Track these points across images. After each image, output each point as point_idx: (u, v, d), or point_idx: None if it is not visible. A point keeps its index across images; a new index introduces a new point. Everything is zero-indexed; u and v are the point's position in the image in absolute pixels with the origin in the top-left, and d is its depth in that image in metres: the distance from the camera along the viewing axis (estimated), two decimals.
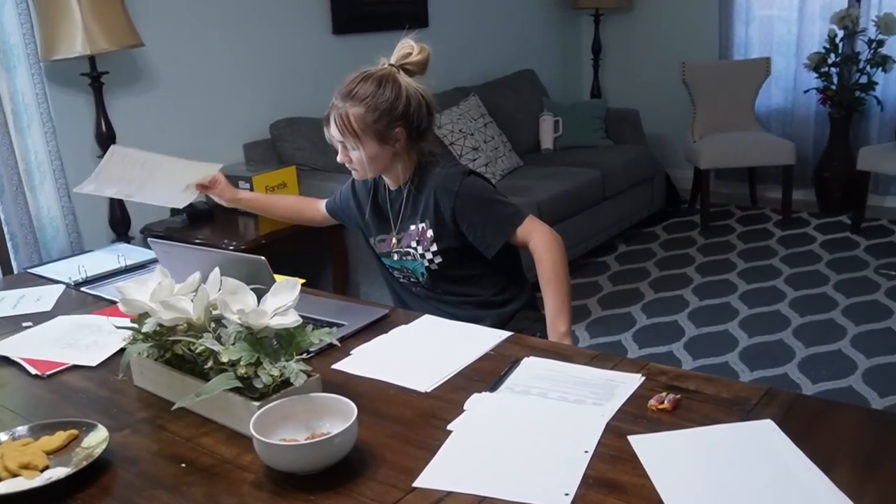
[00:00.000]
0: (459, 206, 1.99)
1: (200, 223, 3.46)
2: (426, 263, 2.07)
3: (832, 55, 5.10)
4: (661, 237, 5.08)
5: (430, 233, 2.04)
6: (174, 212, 3.49)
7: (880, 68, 4.98)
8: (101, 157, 3.19)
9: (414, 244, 2.07)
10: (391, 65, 1.98)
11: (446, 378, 1.56)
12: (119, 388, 1.59)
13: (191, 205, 3.47)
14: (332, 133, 1.98)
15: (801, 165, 5.31)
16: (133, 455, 1.35)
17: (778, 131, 5.56)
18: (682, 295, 4.14)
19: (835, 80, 5.13)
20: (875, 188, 5.27)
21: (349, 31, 4.44)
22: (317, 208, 2.41)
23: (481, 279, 2.11)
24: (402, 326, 1.83)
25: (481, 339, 1.73)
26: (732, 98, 5.39)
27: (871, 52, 4.98)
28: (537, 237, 1.99)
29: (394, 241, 2.12)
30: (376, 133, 1.94)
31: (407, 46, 1.98)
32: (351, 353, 1.70)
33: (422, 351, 1.71)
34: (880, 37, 4.93)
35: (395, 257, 2.13)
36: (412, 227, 2.07)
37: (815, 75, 5.17)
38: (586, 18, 6.18)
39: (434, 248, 2.05)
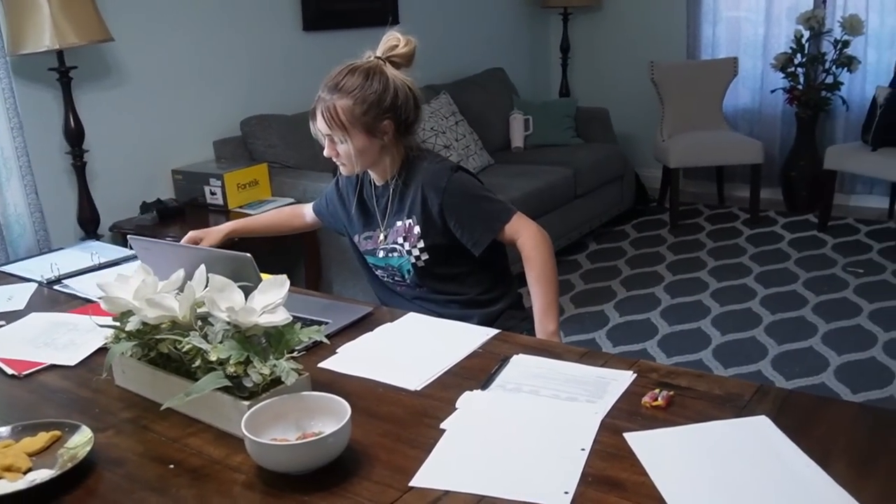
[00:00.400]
0: (447, 202, 1.97)
1: (170, 220, 3.40)
2: (412, 260, 2.03)
3: (798, 55, 5.16)
4: (631, 235, 5.10)
5: (417, 229, 2.01)
6: (144, 209, 3.43)
7: (846, 69, 5.05)
8: (70, 153, 3.16)
9: (400, 240, 2.04)
10: (377, 57, 1.95)
11: (436, 376, 1.54)
12: (100, 388, 1.55)
13: (160, 201, 3.45)
14: (319, 126, 1.95)
15: (768, 164, 5.37)
16: (118, 456, 1.31)
17: (745, 130, 5.62)
18: (653, 293, 4.16)
19: (801, 80, 5.19)
20: (841, 187, 5.34)
21: (319, 28, 4.40)
22: (303, 214, 2.38)
23: (468, 277, 2.09)
24: (388, 324, 1.81)
25: (468, 336, 1.72)
26: (700, 97, 5.43)
27: (837, 52, 5.04)
28: (525, 235, 1.97)
29: (381, 237, 2.09)
30: (364, 126, 1.91)
31: (393, 39, 1.95)
32: (337, 351, 1.67)
33: (409, 349, 1.69)
34: (846, 37, 5.00)
35: (381, 254, 2.09)
36: (398, 224, 2.05)
37: (782, 75, 5.23)
38: (555, 17, 6.19)
39: (421, 244, 2.02)
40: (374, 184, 2.10)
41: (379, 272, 2.15)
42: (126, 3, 3.41)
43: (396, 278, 2.11)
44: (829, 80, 5.13)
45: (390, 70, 1.94)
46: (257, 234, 2.43)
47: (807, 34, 5.14)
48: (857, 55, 5.04)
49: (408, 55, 1.96)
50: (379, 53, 1.96)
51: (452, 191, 1.97)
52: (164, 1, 3.57)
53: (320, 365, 1.61)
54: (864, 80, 5.26)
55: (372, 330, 1.78)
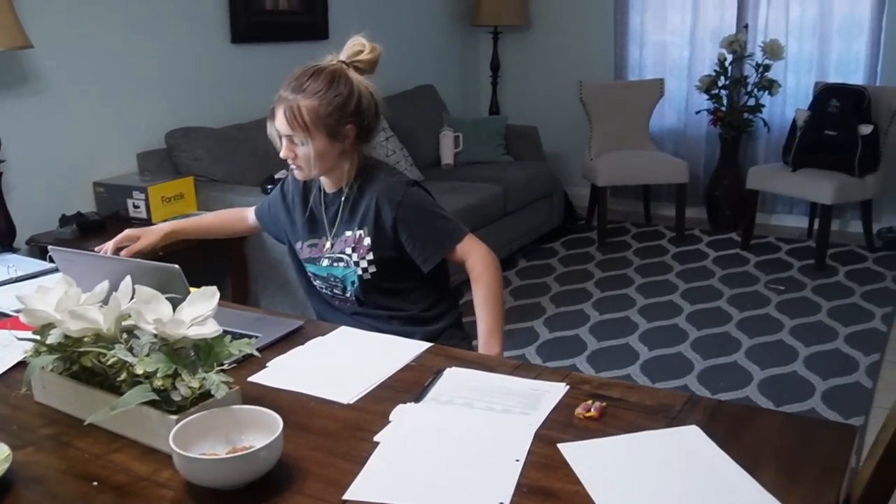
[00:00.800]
0: (402, 216, 1.94)
1: (91, 234, 3.30)
2: (359, 272, 1.99)
3: (722, 78, 5.30)
4: (560, 253, 5.15)
5: (367, 240, 1.98)
6: (63, 222, 3.33)
7: (767, 92, 5.21)
8: None
9: (349, 251, 2.00)
10: (341, 61, 1.92)
11: (368, 389, 1.52)
12: (18, 404, 1.49)
13: (81, 214, 3.36)
14: (279, 127, 1.89)
15: (693, 184, 5.49)
16: (38, 474, 1.26)
17: (671, 150, 5.74)
18: (582, 309, 4.20)
19: (724, 101, 5.33)
20: (763, 206, 5.49)
21: (248, 41, 4.35)
22: (245, 218, 2.32)
23: (412, 293, 2.05)
24: (320, 338, 1.78)
25: (402, 349, 1.70)
26: (628, 117, 5.53)
27: (759, 76, 5.20)
28: (475, 256, 1.96)
29: (327, 245, 2.04)
30: (327, 128, 1.87)
31: (358, 44, 1.93)
32: (267, 365, 1.64)
33: (341, 362, 1.66)
34: (766, 61, 5.16)
35: (325, 263, 2.04)
36: (348, 233, 2.00)
37: (706, 97, 5.37)
38: (485, 36, 6.24)
39: (370, 256, 1.98)
40: (324, 190, 2.05)
41: (318, 283, 2.10)
42: (46, 9, 3.31)
43: (336, 291, 2.07)
44: (752, 102, 5.28)
45: (354, 75, 1.91)
46: (199, 235, 2.36)
47: (730, 58, 5.29)
48: (777, 79, 5.21)
49: (372, 61, 1.93)
50: (343, 58, 1.92)
51: (408, 205, 1.94)
52: (86, 8, 3.49)
53: (250, 379, 1.57)
54: (784, 103, 5.43)
55: (303, 344, 1.75)
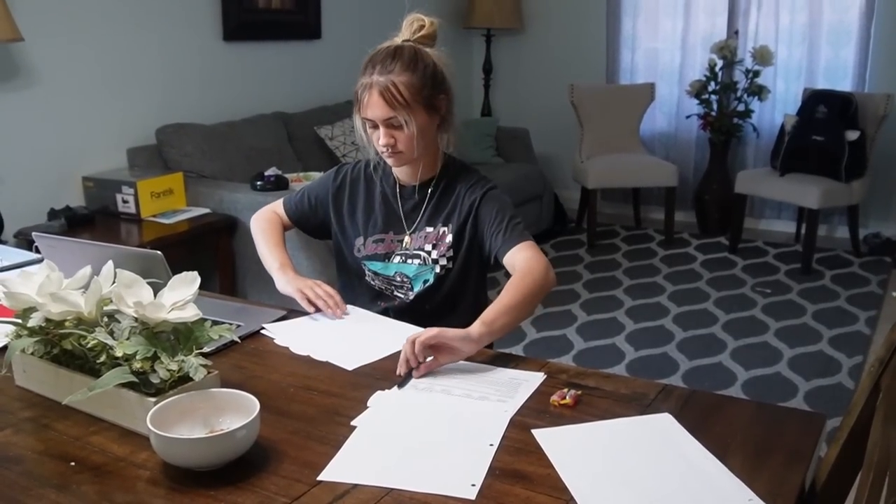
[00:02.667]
0: (483, 204, 1.89)
1: (80, 227, 3.32)
2: (437, 270, 1.93)
3: (712, 83, 5.34)
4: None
5: (449, 238, 1.93)
6: (52, 216, 3.34)
7: (756, 97, 5.24)
8: None
9: (428, 247, 1.94)
10: (406, 40, 1.86)
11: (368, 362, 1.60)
12: None
13: (69, 208, 3.37)
14: (376, 112, 1.79)
15: (682, 187, 5.52)
16: (16, 455, 1.27)
17: (661, 154, 5.77)
18: (570, 310, 4.22)
19: (714, 106, 5.36)
20: (751, 211, 5.53)
21: (239, 39, 4.37)
22: (281, 217, 2.14)
23: (464, 314, 1.93)
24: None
25: (393, 335, 1.71)
26: (618, 121, 5.56)
27: (748, 81, 5.24)
28: (538, 260, 1.80)
29: (406, 239, 1.96)
30: (425, 101, 1.81)
31: (418, 20, 1.87)
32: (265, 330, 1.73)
33: (342, 336, 1.75)
34: (756, 67, 5.20)
35: (397, 259, 1.96)
36: (429, 229, 1.95)
37: (697, 102, 5.40)
38: (478, 38, 6.27)
39: (450, 254, 1.93)
40: (400, 184, 1.98)
41: (377, 282, 2.00)
42: (38, 2, 3.32)
43: (398, 292, 1.98)
44: (741, 107, 5.32)
45: (426, 49, 1.86)
46: None
47: (720, 63, 5.33)
48: (766, 84, 5.24)
49: (433, 35, 1.88)
50: (406, 36, 1.87)
51: (490, 196, 1.90)
52: (79, 2, 3.50)
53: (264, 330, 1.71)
54: (773, 109, 5.47)
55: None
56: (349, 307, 1.88)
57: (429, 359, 1.54)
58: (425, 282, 1.96)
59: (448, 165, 1.97)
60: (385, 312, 1.96)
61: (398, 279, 1.97)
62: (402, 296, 1.98)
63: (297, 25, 4.77)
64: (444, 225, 1.94)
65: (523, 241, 1.84)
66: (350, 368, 1.56)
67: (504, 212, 1.89)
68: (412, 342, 1.51)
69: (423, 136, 1.83)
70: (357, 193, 2.02)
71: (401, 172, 1.97)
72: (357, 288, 2.04)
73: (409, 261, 1.96)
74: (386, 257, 1.98)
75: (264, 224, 2.11)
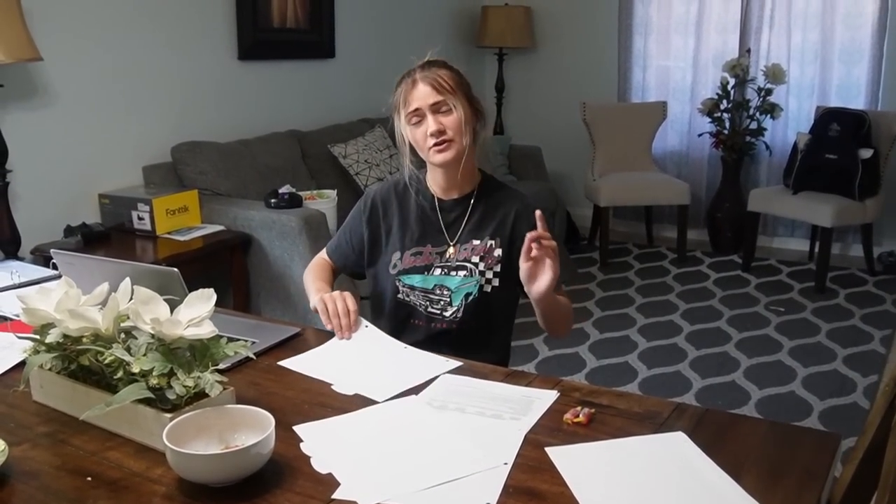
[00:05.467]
0: None
1: (95, 244, 3.34)
2: (482, 282, 1.94)
3: (724, 101, 5.34)
4: None
5: (498, 252, 1.94)
6: (68, 232, 3.36)
7: (769, 115, 5.25)
8: None
9: (476, 259, 1.95)
10: None
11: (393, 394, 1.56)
12: (16, 403, 1.51)
13: (86, 225, 3.39)
14: (424, 100, 1.86)
15: (694, 206, 5.51)
16: (34, 469, 1.28)
17: (673, 172, 5.77)
18: (582, 328, 4.21)
19: (727, 125, 5.36)
20: (764, 229, 5.51)
21: (255, 58, 4.40)
22: (329, 263, 2.15)
23: (498, 334, 2.05)
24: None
25: (426, 366, 1.69)
26: (630, 139, 5.57)
27: (761, 99, 5.24)
28: (569, 301, 1.98)
29: (450, 251, 1.97)
30: (466, 93, 1.91)
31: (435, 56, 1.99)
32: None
33: (367, 363, 1.72)
34: (769, 86, 5.20)
35: (438, 272, 1.96)
36: (476, 242, 1.96)
37: (709, 120, 5.41)
38: (490, 57, 6.30)
39: (497, 268, 1.94)
40: (438, 197, 2.00)
41: (413, 297, 1.97)
42: (57, 22, 3.37)
43: (434, 307, 1.96)
44: (753, 125, 5.31)
45: None
46: None
47: (732, 81, 5.33)
48: (779, 103, 5.24)
49: None
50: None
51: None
52: (96, 22, 3.54)
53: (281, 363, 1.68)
54: (786, 127, 5.47)
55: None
56: (368, 329, 1.86)
57: None
58: (468, 295, 1.95)
59: (487, 180, 2.03)
60: (414, 335, 1.95)
61: (437, 292, 1.96)
62: (438, 313, 1.96)
63: (312, 45, 4.81)
64: (492, 238, 1.96)
65: (561, 283, 1.91)
66: (381, 400, 1.52)
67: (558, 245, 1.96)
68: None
69: (468, 129, 1.89)
70: (391, 212, 2.03)
71: (439, 186, 1.99)
72: (386, 310, 2.02)
73: (453, 273, 1.96)
74: (426, 269, 1.97)
75: (309, 268, 2.14)
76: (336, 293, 1.87)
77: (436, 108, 1.87)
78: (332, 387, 1.58)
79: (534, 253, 1.71)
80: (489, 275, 1.94)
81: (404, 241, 2.00)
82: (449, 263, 1.96)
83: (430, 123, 1.86)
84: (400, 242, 2.00)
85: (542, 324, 1.94)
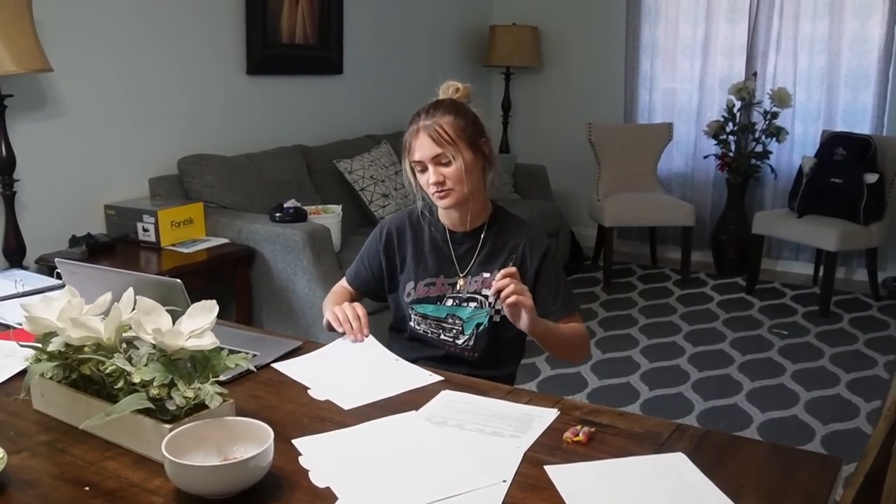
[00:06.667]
0: (545, 266, 1.99)
1: (100, 255, 3.34)
2: (492, 313, 1.98)
3: (730, 124, 5.35)
4: None
5: None
6: (73, 242, 3.37)
7: (774, 138, 5.25)
8: None
9: (486, 291, 1.98)
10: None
11: (367, 401, 1.57)
12: (16, 411, 1.52)
13: (91, 235, 3.40)
14: (424, 152, 1.90)
15: (699, 227, 5.51)
16: (32, 478, 1.28)
17: (678, 194, 5.77)
18: None
19: (732, 147, 5.37)
20: (769, 252, 5.51)
21: (263, 73, 4.43)
22: (350, 292, 2.19)
23: (509, 362, 2.11)
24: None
25: (411, 375, 1.73)
26: (636, 160, 5.58)
27: (766, 122, 5.25)
28: (583, 332, 2.02)
29: (460, 283, 2.01)
30: (469, 140, 1.91)
31: (452, 85, 2.01)
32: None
33: (353, 371, 1.75)
34: (774, 109, 5.21)
35: (450, 302, 2.01)
36: (486, 275, 1.99)
37: (714, 142, 5.41)
38: (497, 76, 6.32)
39: None
40: (449, 230, 2.04)
41: (425, 326, 2.04)
42: (67, 33, 3.39)
43: (447, 335, 2.02)
44: (759, 148, 5.32)
45: (463, 102, 1.99)
46: None
47: (738, 104, 5.34)
48: (785, 126, 5.25)
49: (467, 96, 2.01)
50: (443, 97, 2.01)
51: (551, 258, 2.01)
52: (107, 35, 3.57)
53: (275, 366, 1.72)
54: (791, 150, 5.47)
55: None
56: (367, 339, 1.91)
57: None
58: (478, 325, 2.00)
59: (497, 214, 2.05)
60: (427, 359, 1.96)
61: (450, 321, 2.01)
62: (450, 339, 2.02)
63: (320, 60, 4.83)
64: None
65: (574, 311, 2.02)
66: (347, 408, 1.55)
67: (560, 275, 2.02)
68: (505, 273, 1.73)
69: (470, 176, 1.92)
70: (405, 241, 2.08)
71: (450, 219, 2.03)
72: (406, 333, 2.08)
73: (465, 304, 2.01)
74: (438, 300, 2.03)
75: (329, 296, 2.19)
76: (346, 303, 1.95)
77: (436, 161, 1.90)
78: (308, 391, 1.63)
79: (498, 305, 1.77)
80: (498, 306, 1.96)
81: (418, 272, 2.05)
82: (460, 295, 2.01)
83: (431, 174, 1.91)
84: (414, 273, 2.05)
85: (550, 353, 2.02)
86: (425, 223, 2.07)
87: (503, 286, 1.74)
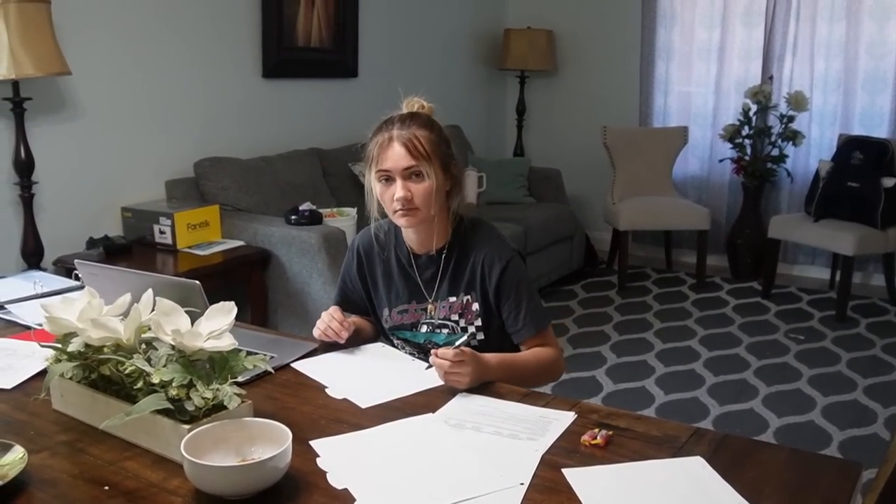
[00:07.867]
0: (505, 282, 1.87)
1: (117, 257, 3.36)
2: (468, 339, 1.87)
3: (746, 128, 5.33)
4: (579, 295, 5.15)
5: (475, 306, 1.91)
6: (90, 244, 3.39)
7: (790, 142, 5.22)
8: (18, 184, 3.13)
9: (455, 317, 1.92)
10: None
11: (382, 401, 1.59)
12: (36, 411, 1.53)
13: (108, 237, 3.42)
14: (398, 163, 1.78)
15: (714, 231, 5.49)
16: (51, 478, 1.29)
17: (694, 197, 5.75)
18: (599, 351, 4.20)
19: (748, 151, 5.35)
20: (784, 256, 5.47)
21: (279, 76, 4.44)
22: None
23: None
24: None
25: (423, 375, 1.73)
26: (651, 163, 5.56)
27: (783, 126, 5.22)
28: (552, 348, 1.92)
29: (429, 308, 1.94)
30: (442, 159, 1.82)
31: (417, 103, 1.90)
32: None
33: (368, 372, 1.77)
34: (791, 113, 5.19)
35: (424, 328, 1.95)
36: (452, 299, 1.92)
37: (730, 146, 5.39)
38: (512, 80, 6.33)
39: (479, 322, 1.91)
40: (413, 252, 1.95)
41: (409, 349, 1.99)
42: (86, 37, 3.41)
43: (429, 358, 1.91)
44: (775, 152, 5.30)
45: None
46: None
47: (754, 108, 5.32)
48: (801, 130, 5.22)
49: (431, 115, 1.91)
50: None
51: (511, 272, 1.88)
52: (124, 38, 3.59)
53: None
54: (807, 154, 5.44)
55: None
56: (378, 345, 1.91)
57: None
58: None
59: (458, 229, 1.94)
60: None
61: (429, 346, 1.94)
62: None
63: (335, 64, 4.85)
64: (467, 294, 1.92)
65: (540, 330, 1.90)
66: (363, 406, 1.57)
67: (522, 291, 1.89)
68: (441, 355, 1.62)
69: (438, 197, 1.83)
70: (374, 264, 2.01)
71: (414, 241, 1.94)
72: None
73: (437, 330, 1.95)
74: (413, 327, 1.97)
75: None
76: (323, 313, 1.90)
77: (407, 174, 1.79)
78: (326, 390, 1.65)
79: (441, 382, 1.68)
80: (471, 330, 1.92)
81: (390, 298, 1.99)
82: (433, 321, 1.95)
83: (399, 189, 1.79)
84: (386, 299, 1.99)
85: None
86: (390, 245, 1.98)
87: (439, 366, 1.64)
